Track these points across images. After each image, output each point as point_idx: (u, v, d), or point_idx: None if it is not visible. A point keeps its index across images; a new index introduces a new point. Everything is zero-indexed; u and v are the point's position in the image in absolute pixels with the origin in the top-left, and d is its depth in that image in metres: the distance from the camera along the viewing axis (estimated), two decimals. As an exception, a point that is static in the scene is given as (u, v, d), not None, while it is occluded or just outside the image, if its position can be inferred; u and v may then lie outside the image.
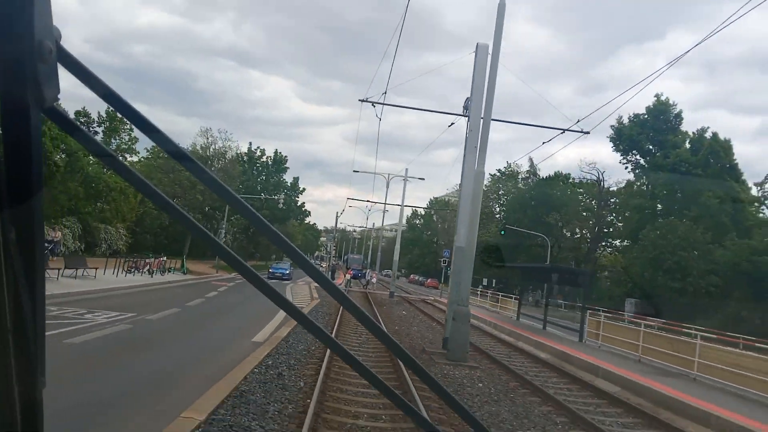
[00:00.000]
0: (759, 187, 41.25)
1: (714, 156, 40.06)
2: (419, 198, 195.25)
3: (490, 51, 13.55)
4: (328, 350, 9.21)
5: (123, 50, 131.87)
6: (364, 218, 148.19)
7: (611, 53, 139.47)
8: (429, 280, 70.82)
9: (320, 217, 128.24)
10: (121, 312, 13.70)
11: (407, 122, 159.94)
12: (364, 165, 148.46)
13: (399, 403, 0.95)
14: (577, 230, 51.64)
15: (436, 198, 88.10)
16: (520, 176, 61.23)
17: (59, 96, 0.67)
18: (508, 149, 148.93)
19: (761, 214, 40.97)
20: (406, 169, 38.74)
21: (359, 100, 18.41)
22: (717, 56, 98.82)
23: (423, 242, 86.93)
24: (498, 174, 62.76)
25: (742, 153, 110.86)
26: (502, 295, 31.50)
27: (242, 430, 5.83)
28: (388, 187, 41.41)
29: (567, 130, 17.39)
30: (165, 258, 31.36)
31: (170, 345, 11.01)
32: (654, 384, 10.87)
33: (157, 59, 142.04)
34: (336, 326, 15.55)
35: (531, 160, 51.97)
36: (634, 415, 9.29)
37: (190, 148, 52.95)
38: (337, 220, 61.94)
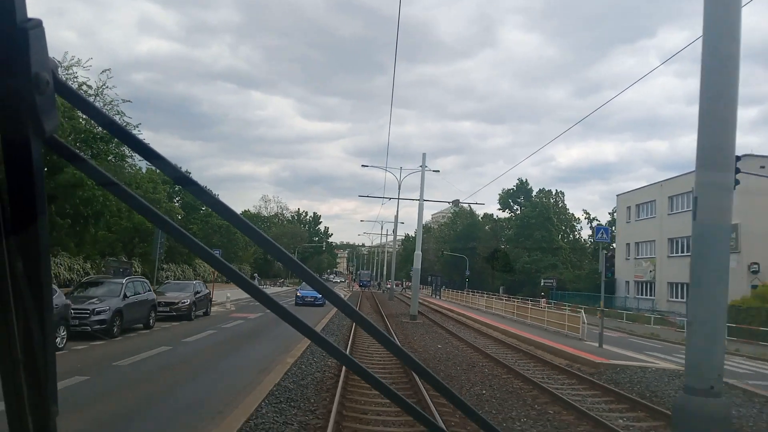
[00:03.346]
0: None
1: (542, 208, 72.69)
2: (426, 206, 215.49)
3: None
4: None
5: (124, 79, 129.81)
6: (376, 230, 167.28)
7: (603, 54, 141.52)
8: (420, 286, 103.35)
9: (328, 229, 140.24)
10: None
11: (409, 133, 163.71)
12: (369, 178, 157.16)
13: (417, 415, 0.96)
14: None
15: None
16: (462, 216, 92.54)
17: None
18: (512, 153, 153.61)
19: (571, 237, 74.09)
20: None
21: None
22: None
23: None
24: (454, 211, 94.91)
25: (741, 143, 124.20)
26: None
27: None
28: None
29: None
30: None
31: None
32: (519, 331, 20.16)
33: (159, 86, 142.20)
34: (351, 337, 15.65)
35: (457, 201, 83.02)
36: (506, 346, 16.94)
37: (252, 211, 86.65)
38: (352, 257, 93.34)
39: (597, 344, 16.44)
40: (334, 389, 8.55)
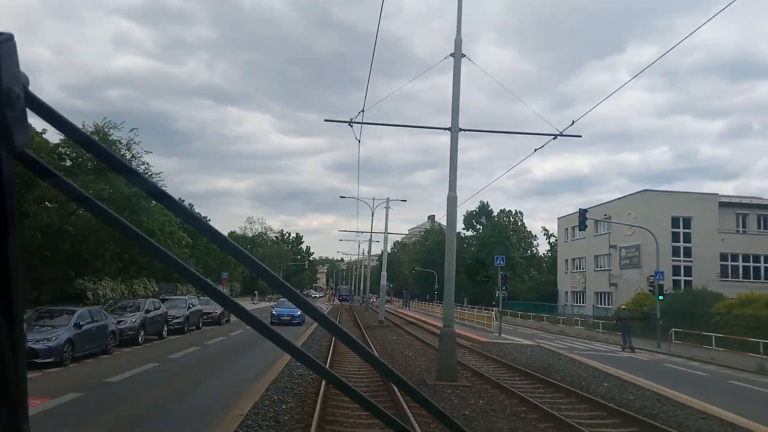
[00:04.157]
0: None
1: (501, 228, 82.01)
2: (404, 220, 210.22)
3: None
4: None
5: (99, 96, 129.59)
6: (353, 245, 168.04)
7: (575, 69, 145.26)
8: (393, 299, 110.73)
9: (308, 245, 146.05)
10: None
11: (386, 147, 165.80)
12: (347, 191, 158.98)
13: (397, 427, 0.98)
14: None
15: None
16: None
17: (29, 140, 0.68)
18: (490, 166, 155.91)
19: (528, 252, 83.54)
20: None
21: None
22: (676, 66, 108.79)
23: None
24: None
25: (710, 155, 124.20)
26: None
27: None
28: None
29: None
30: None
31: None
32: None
33: (134, 102, 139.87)
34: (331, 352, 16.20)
35: (433, 217, 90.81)
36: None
37: (238, 232, 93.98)
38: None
39: (497, 334, 24.98)
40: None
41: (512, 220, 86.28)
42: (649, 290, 29.06)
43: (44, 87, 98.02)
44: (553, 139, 14.94)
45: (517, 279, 74.09)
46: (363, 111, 14.94)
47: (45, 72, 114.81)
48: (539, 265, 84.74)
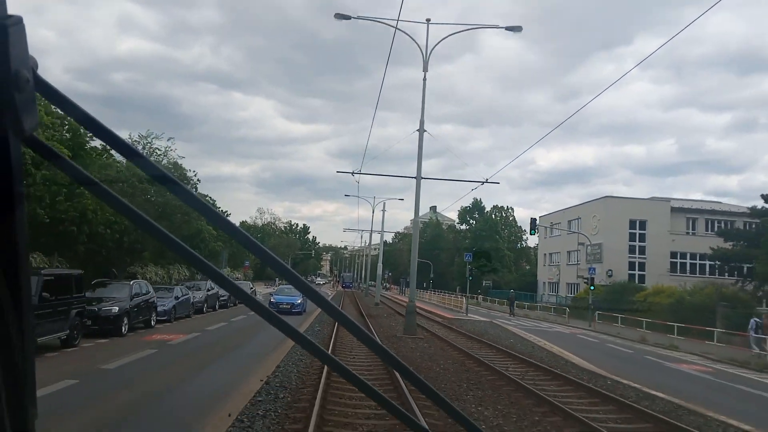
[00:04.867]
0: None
1: (492, 223, 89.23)
2: (406, 208, 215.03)
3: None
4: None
5: (104, 79, 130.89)
6: (357, 235, 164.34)
7: (582, 61, 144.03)
8: (392, 287, 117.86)
9: (313, 233, 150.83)
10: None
11: (391, 135, 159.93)
12: (350, 179, 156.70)
13: (398, 413, 0.97)
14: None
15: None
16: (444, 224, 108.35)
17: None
18: (493, 156, 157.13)
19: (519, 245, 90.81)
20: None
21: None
22: (683, 57, 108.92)
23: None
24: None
25: (716, 149, 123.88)
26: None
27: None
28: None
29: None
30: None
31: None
32: (432, 309, 38.31)
33: (139, 86, 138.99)
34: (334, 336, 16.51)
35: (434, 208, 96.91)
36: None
37: (249, 222, 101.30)
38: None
39: (465, 314, 32.26)
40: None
41: (504, 215, 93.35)
42: (584, 282, 36.12)
43: (50, 69, 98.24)
44: (481, 184, 22.83)
45: (505, 270, 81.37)
46: (362, 162, 22.13)
47: (51, 54, 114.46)
48: (529, 257, 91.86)
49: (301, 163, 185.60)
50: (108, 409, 7.98)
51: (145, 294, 17.75)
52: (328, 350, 7.71)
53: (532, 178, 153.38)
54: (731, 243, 36.18)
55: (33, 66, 0.65)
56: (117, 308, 15.10)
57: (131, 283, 17.65)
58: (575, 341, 23.00)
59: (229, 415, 7.37)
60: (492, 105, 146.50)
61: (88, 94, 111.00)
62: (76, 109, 0.72)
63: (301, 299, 25.51)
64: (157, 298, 18.83)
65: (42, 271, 12.37)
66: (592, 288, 32.77)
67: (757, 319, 19.86)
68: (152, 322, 18.06)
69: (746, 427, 8.68)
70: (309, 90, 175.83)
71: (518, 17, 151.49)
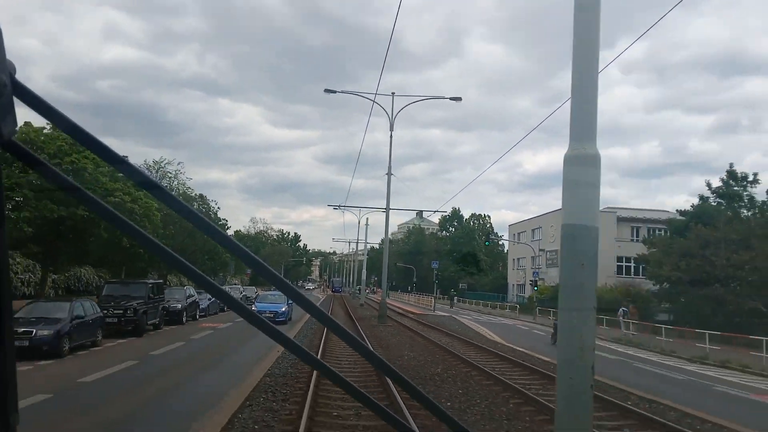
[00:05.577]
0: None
1: (469, 230, 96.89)
2: (395, 213, 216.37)
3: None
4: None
5: (89, 86, 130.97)
6: (345, 242, 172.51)
7: (567, 64, 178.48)
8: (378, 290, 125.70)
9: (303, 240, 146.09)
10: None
11: (379, 141, 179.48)
12: (338, 183, 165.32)
13: (390, 419, 0.97)
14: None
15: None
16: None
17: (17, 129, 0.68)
18: (480, 160, 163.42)
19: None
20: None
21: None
22: (666, 61, 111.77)
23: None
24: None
25: (699, 151, 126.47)
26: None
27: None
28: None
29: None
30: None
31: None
32: (406, 307, 47.32)
33: (125, 93, 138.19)
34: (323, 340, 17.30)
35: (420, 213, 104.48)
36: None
37: (243, 231, 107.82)
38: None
39: (432, 311, 39.56)
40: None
41: (481, 222, 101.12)
42: (530, 283, 43.53)
43: (34, 78, 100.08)
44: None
45: (481, 274, 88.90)
46: (347, 197, 29.00)
47: (35, 63, 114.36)
48: (505, 261, 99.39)
49: (288, 168, 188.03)
50: (195, 364, 15.07)
51: (192, 296, 24.92)
52: (317, 354, 9.69)
53: (520, 181, 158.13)
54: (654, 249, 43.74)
55: (11, 71, 0.66)
56: (180, 305, 22.34)
57: (184, 288, 24.88)
58: (507, 329, 30.28)
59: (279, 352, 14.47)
60: (478, 110, 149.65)
61: (73, 102, 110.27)
62: (56, 114, 0.73)
63: (285, 307, 24.47)
64: (199, 299, 25.96)
65: (148, 281, 19.61)
66: (536, 288, 40.22)
67: (624, 308, 27.56)
68: (197, 317, 25.35)
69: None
70: (295, 96, 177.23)
71: (501, 22, 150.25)
